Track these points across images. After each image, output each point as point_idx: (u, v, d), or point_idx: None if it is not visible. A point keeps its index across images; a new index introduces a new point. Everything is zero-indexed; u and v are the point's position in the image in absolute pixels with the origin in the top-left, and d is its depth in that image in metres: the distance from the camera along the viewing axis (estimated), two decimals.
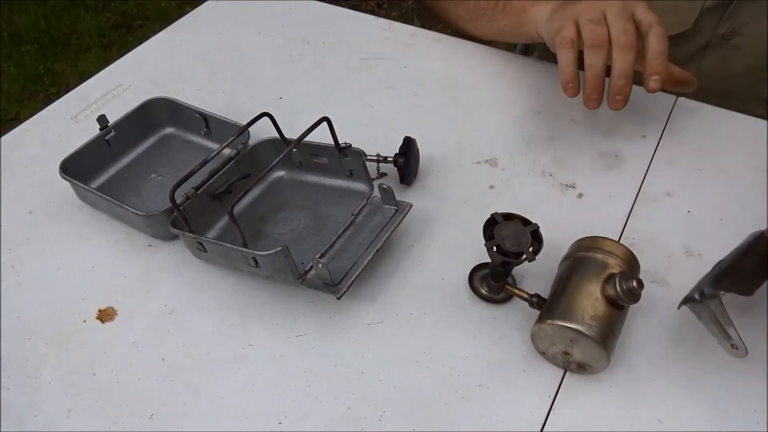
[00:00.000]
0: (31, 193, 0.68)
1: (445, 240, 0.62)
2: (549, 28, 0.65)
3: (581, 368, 0.51)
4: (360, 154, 0.61)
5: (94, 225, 0.65)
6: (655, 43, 0.59)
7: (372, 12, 0.75)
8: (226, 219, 0.62)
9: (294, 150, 0.63)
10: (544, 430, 0.49)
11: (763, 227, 0.51)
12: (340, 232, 0.59)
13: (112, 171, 0.68)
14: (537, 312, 0.53)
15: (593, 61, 0.59)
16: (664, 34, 0.59)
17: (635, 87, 0.76)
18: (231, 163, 0.63)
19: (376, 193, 0.61)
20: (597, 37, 0.58)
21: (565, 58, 0.60)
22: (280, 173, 0.67)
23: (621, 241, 0.60)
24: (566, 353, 0.50)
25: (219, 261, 0.59)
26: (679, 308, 0.50)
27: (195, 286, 0.59)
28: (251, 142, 0.66)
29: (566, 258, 0.54)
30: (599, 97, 0.61)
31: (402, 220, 0.59)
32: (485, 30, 0.79)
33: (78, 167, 0.64)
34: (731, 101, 0.74)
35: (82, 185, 0.62)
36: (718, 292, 0.48)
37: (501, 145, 0.71)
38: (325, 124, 0.58)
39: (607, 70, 0.61)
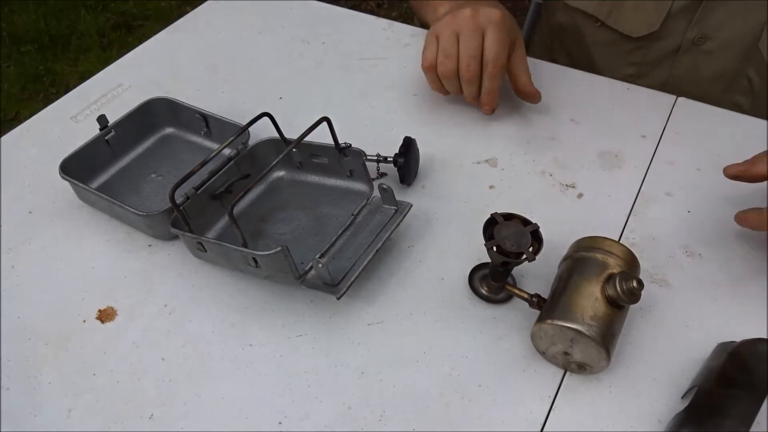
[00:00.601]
0: (31, 193, 0.68)
1: (445, 240, 0.62)
2: (425, 40, 0.72)
3: (581, 368, 0.51)
4: (360, 154, 0.61)
5: (94, 225, 0.65)
6: (487, 84, 0.69)
7: (372, 12, 0.75)
8: (226, 219, 0.62)
9: (294, 150, 0.63)
10: (544, 430, 0.49)
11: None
12: (340, 232, 0.59)
13: (112, 171, 0.68)
14: (537, 312, 0.53)
15: (448, 86, 0.71)
16: (495, 74, 0.68)
17: (635, 88, 0.77)
18: (231, 163, 0.63)
19: (376, 193, 0.61)
20: (446, 71, 0.68)
21: (429, 78, 0.72)
22: (280, 173, 0.67)
23: (621, 241, 0.60)
24: (566, 353, 0.50)
25: (219, 261, 0.59)
26: None
27: (195, 286, 0.59)
28: (251, 142, 0.66)
29: (566, 258, 0.54)
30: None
31: (402, 220, 0.59)
32: (425, 20, 0.84)
33: (78, 167, 0.64)
34: None
35: (82, 185, 0.62)
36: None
37: (501, 145, 0.71)
38: (325, 124, 0.58)
39: None
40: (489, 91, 0.69)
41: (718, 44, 0.79)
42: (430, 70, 0.70)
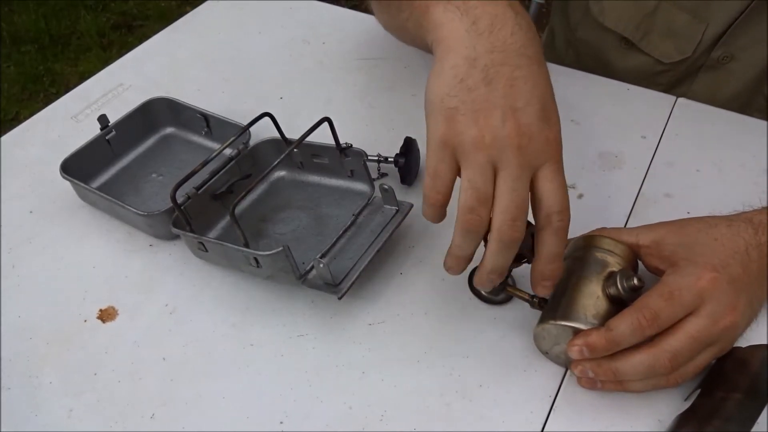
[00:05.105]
0: (31, 193, 0.68)
1: (446, 240, 0.61)
2: (430, 123, 0.46)
3: None
4: (361, 155, 0.61)
5: (95, 225, 0.65)
6: (551, 244, 0.46)
7: (371, 11, 0.76)
8: (227, 219, 0.62)
9: (295, 150, 0.63)
10: (545, 430, 0.49)
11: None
12: (341, 232, 0.59)
13: (112, 171, 0.68)
14: (537, 312, 0.53)
15: (462, 243, 0.47)
16: (564, 228, 0.46)
17: (634, 88, 0.77)
18: (232, 163, 0.64)
19: (377, 193, 0.61)
20: (476, 224, 0.45)
21: (429, 215, 0.48)
22: (281, 173, 0.67)
23: None
24: None
25: (220, 261, 0.59)
26: None
27: (196, 285, 0.60)
28: (252, 142, 0.66)
29: (565, 257, 0.54)
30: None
31: (403, 220, 0.59)
32: (393, 19, 0.63)
33: (79, 167, 0.64)
34: None
35: (82, 185, 0.62)
36: None
37: None
38: (325, 124, 0.59)
39: None
40: (554, 255, 0.47)
41: (743, 64, 0.78)
42: (436, 206, 0.47)
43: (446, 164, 0.46)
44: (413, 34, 0.55)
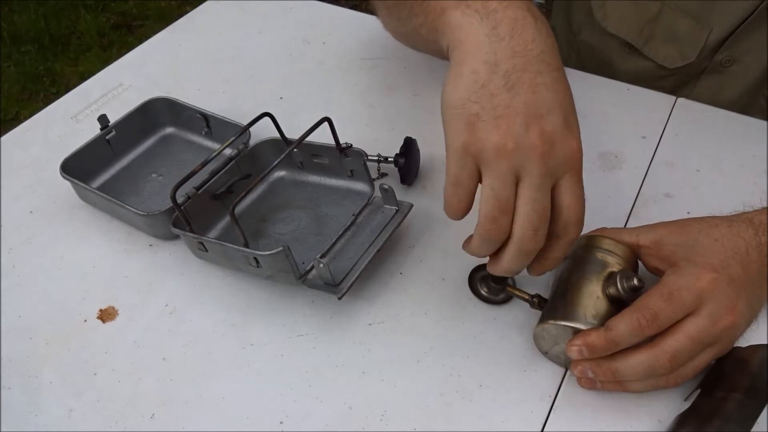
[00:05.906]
0: (31, 192, 0.68)
1: (446, 240, 0.62)
2: (450, 129, 0.47)
3: None
4: (361, 155, 0.61)
5: (95, 225, 0.65)
6: (560, 250, 0.48)
7: (372, 12, 0.76)
8: (227, 219, 0.62)
9: (295, 150, 0.63)
10: (545, 429, 0.49)
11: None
12: (341, 232, 0.59)
13: (112, 171, 0.68)
14: (537, 312, 0.53)
15: (481, 248, 0.47)
16: (575, 239, 0.47)
17: (634, 88, 0.77)
18: (232, 163, 0.64)
19: (377, 193, 0.61)
20: (498, 233, 0.45)
21: (451, 218, 0.48)
22: (281, 173, 0.67)
23: None
24: None
25: (220, 261, 0.59)
26: None
27: (196, 285, 0.60)
28: (252, 142, 0.66)
29: (565, 257, 0.54)
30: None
31: (403, 220, 0.59)
32: (404, 25, 0.61)
33: (78, 167, 0.64)
34: None
35: (82, 185, 0.62)
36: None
37: None
38: (325, 124, 0.58)
39: None
40: (555, 259, 0.48)
41: (745, 67, 0.77)
42: (459, 213, 0.47)
43: (468, 171, 0.45)
44: (426, 39, 0.54)
